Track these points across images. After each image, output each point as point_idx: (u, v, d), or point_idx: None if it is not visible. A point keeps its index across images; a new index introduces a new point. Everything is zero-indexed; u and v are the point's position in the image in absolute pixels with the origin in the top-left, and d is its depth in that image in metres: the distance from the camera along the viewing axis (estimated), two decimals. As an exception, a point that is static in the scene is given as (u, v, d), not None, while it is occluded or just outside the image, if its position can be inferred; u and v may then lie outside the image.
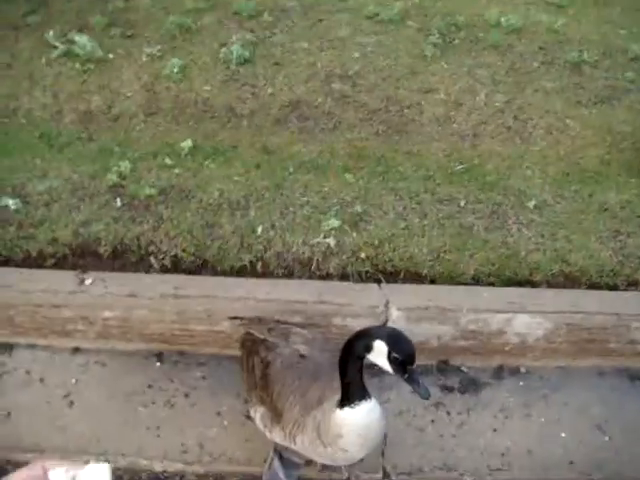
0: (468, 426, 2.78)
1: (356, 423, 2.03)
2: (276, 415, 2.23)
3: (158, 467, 2.57)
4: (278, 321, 2.56)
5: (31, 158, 3.40)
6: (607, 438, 2.79)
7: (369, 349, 1.97)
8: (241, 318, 2.62)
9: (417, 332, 2.83)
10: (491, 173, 3.56)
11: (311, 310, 2.76)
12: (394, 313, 2.81)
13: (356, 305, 2.80)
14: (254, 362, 2.35)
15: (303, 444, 2.16)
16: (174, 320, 2.80)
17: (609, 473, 2.68)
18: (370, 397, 2.06)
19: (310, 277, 2.94)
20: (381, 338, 1.96)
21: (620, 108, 3.96)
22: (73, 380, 2.81)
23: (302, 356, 2.29)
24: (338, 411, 2.02)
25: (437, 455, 2.67)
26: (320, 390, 2.16)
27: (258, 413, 2.35)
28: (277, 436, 2.27)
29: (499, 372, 2.97)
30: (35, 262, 3.02)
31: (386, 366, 1.98)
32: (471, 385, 2.90)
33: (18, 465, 2.52)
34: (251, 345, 2.44)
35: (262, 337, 2.39)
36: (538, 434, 2.79)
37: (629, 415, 2.88)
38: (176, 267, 2.96)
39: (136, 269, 2.95)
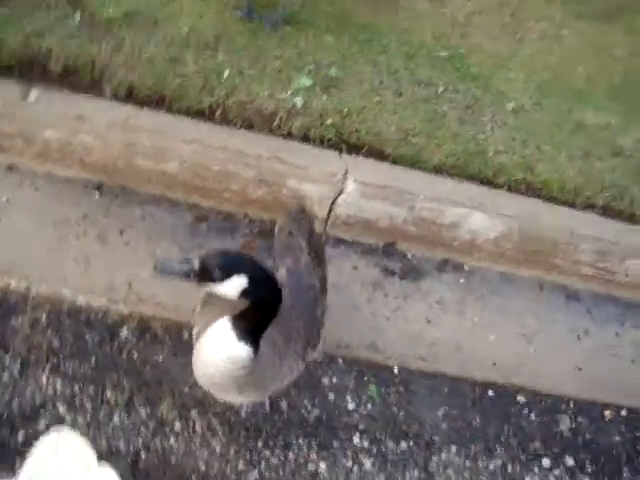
0: (402, 312, 2.75)
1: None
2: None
3: (81, 300, 2.47)
4: (311, 235, 2.18)
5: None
6: (532, 349, 2.83)
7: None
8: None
9: (369, 209, 2.76)
10: (475, 66, 3.39)
11: (266, 167, 2.62)
12: (350, 185, 2.70)
13: (313, 170, 2.67)
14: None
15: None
16: (120, 152, 2.61)
17: (526, 381, 2.73)
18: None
19: (270, 133, 2.78)
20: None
21: (620, 29, 3.78)
22: (4, 198, 2.63)
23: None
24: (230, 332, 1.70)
25: (367, 334, 2.65)
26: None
27: None
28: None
29: (443, 265, 2.93)
30: (-24, 68, 2.76)
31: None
32: (412, 272, 2.86)
33: None
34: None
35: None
36: (468, 332, 2.80)
37: (558, 332, 2.91)
38: (130, 97, 2.73)
39: (87, 92, 2.72)
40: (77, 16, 2.87)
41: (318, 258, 2.15)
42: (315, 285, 2.03)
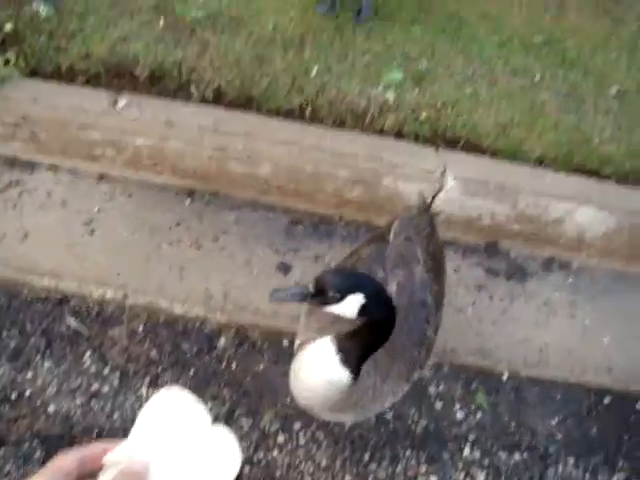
0: (510, 315, 2.59)
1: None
2: None
3: (178, 310, 2.42)
4: (430, 241, 2.01)
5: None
6: (650, 352, 2.62)
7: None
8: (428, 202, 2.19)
9: (471, 207, 2.61)
10: (572, 50, 3.19)
11: (361, 166, 2.50)
12: (450, 182, 2.56)
13: (410, 167, 2.53)
14: (359, 249, 1.99)
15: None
16: (211, 156, 2.55)
17: (645, 386, 2.52)
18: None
19: (362, 131, 2.66)
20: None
21: None
22: (96, 208, 2.61)
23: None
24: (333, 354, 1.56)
25: (473, 339, 2.50)
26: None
27: None
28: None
29: (549, 264, 2.75)
30: (65, 77, 2.75)
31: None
32: (518, 272, 2.69)
33: (33, 289, 2.45)
34: (376, 236, 2.05)
35: (389, 239, 1.93)
36: (580, 335, 2.61)
37: (676, 332, 2.68)
38: (218, 100, 2.67)
39: (174, 97, 2.68)
40: (161, 21, 2.84)
41: (437, 268, 1.97)
42: (428, 302, 1.85)
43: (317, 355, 1.59)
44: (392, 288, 1.78)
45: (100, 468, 0.93)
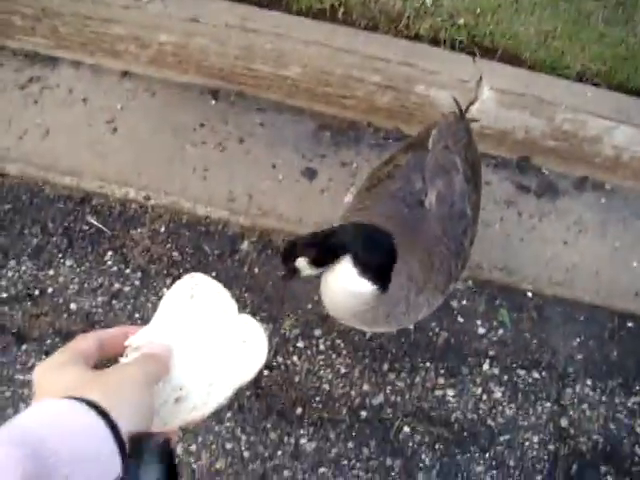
0: (538, 232, 2.52)
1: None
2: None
3: (201, 211, 2.38)
4: (468, 149, 1.92)
5: None
6: (679, 279, 2.56)
7: None
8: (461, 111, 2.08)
9: (505, 118, 2.51)
10: (624, -42, 2.99)
11: (393, 71, 2.39)
12: (485, 92, 2.44)
13: (445, 75, 2.42)
14: (396, 156, 1.90)
15: None
16: (237, 55, 2.44)
17: (672, 313, 2.48)
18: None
19: (396, 35, 2.54)
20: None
21: None
22: (119, 106, 2.54)
23: (421, 203, 1.74)
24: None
25: (499, 255, 2.45)
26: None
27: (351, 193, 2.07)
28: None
29: (582, 183, 2.66)
30: (88, -30, 2.63)
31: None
32: (549, 190, 2.60)
33: (55, 187, 2.42)
34: (414, 142, 1.96)
35: (427, 147, 1.85)
36: (609, 257, 2.54)
37: None
38: (247, -3, 2.56)
39: (200, -8, 2.56)
40: None
41: (475, 178, 1.90)
42: (467, 213, 1.79)
43: (339, 267, 1.54)
44: (432, 198, 1.73)
45: (121, 352, 0.90)
